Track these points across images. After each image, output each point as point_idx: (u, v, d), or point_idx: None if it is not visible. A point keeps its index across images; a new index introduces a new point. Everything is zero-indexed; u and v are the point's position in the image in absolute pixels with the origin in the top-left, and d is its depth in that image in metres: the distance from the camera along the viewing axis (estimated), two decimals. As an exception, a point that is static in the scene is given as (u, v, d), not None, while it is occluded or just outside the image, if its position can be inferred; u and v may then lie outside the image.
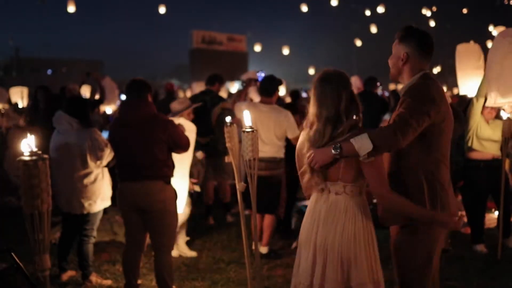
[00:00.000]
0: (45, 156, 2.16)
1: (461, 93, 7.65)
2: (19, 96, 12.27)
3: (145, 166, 4.38)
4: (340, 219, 2.88)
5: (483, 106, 5.87)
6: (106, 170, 5.20)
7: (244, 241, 3.98)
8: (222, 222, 7.56)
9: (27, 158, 2.12)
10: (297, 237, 6.28)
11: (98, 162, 4.98)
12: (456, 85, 9.46)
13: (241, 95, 6.73)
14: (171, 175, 4.57)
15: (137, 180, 4.42)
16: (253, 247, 4.02)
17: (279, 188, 5.99)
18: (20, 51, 50.58)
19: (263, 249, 6.01)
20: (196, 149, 6.37)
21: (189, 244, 6.24)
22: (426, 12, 30.90)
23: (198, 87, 13.22)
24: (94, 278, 5.22)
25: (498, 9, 42.40)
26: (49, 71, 39.35)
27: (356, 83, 10.41)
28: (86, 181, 5.00)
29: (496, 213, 6.60)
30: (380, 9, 26.93)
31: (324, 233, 2.89)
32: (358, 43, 36.91)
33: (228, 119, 4.04)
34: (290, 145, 6.15)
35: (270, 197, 5.85)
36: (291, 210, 6.94)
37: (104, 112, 10.79)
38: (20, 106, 11.53)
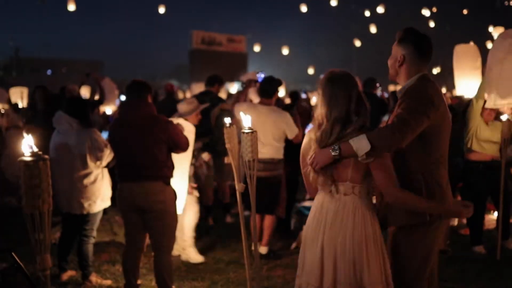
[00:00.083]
0: (46, 156, 2.17)
1: (458, 93, 7.68)
2: (19, 96, 12.26)
3: (145, 167, 4.39)
4: (350, 220, 2.88)
5: (483, 108, 5.87)
6: (106, 170, 5.21)
7: (243, 242, 3.99)
8: (221, 223, 7.57)
9: (28, 159, 2.13)
10: (296, 238, 6.34)
11: (98, 163, 4.99)
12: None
13: (241, 96, 6.73)
14: (171, 175, 4.58)
15: (137, 180, 4.43)
16: (253, 248, 4.03)
17: (278, 188, 6.00)
18: (20, 51, 50.61)
19: (263, 249, 6.02)
20: (203, 150, 6.36)
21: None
22: (426, 13, 30.91)
23: (198, 88, 13.24)
24: (94, 278, 5.23)
25: (498, 10, 42.43)
26: (49, 71, 39.37)
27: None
28: (86, 181, 5.01)
29: (496, 214, 6.61)
30: (380, 9, 26.94)
31: (333, 234, 2.89)
32: (358, 43, 36.93)
33: (227, 120, 4.04)
34: (290, 146, 6.16)
35: (269, 198, 5.86)
36: (290, 211, 6.95)
37: (104, 112, 10.79)
38: (20, 106, 11.53)
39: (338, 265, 2.85)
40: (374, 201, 3.32)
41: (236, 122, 5.20)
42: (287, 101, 9.61)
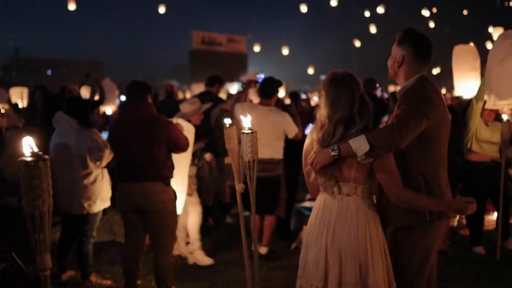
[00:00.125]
0: (46, 156, 2.17)
1: (457, 93, 7.68)
2: (19, 97, 12.27)
3: (145, 167, 4.39)
4: (353, 220, 2.88)
5: (483, 108, 5.87)
6: (105, 170, 5.21)
7: (243, 242, 3.99)
8: (221, 223, 7.57)
9: (28, 159, 2.13)
10: (296, 238, 6.33)
11: (98, 163, 4.99)
12: (455, 87, 9.47)
13: (241, 96, 6.73)
14: (171, 176, 4.58)
15: (137, 181, 4.43)
16: (253, 248, 4.03)
17: (277, 188, 6.00)
18: (20, 51, 50.60)
19: (263, 250, 6.02)
20: (205, 150, 6.36)
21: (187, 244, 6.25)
22: (426, 13, 30.92)
23: (198, 88, 13.24)
24: (93, 278, 5.23)
25: (498, 10, 42.43)
26: (49, 72, 39.37)
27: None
28: (85, 181, 5.01)
29: (495, 215, 6.61)
30: (380, 10, 26.95)
31: (337, 235, 2.88)
32: (358, 43, 36.92)
33: (227, 121, 4.04)
34: (290, 146, 6.17)
35: (269, 198, 5.86)
36: (290, 211, 6.95)
37: (104, 112, 10.79)
38: (20, 106, 11.54)
39: (343, 266, 2.85)
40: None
41: (236, 123, 5.21)
42: (287, 101, 9.62)
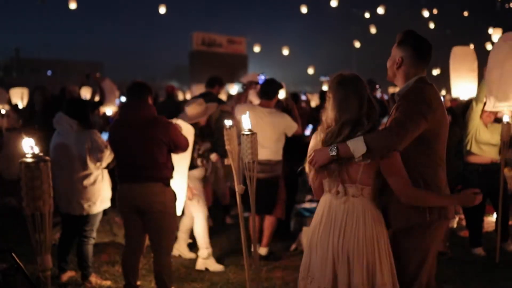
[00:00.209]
0: (47, 158, 2.18)
1: (453, 94, 7.69)
2: (19, 97, 12.28)
3: (145, 168, 4.40)
4: (360, 222, 2.89)
5: (482, 110, 5.88)
6: (105, 171, 5.22)
7: (243, 243, 4.00)
8: (221, 224, 7.58)
9: (29, 160, 2.14)
10: (296, 239, 6.34)
11: (98, 164, 4.99)
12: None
13: (242, 98, 6.73)
14: (171, 177, 4.59)
15: (137, 181, 4.43)
16: (252, 249, 4.04)
17: (276, 189, 6.01)
18: (20, 52, 50.63)
19: (263, 250, 6.03)
20: (211, 151, 6.36)
21: (188, 246, 6.26)
22: (427, 14, 30.93)
23: (198, 89, 13.24)
24: (93, 278, 5.23)
25: (498, 12, 42.48)
26: (49, 72, 39.36)
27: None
28: (85, 182, 5.02)
29: (495, 216, 6.62)
30: (380, 11, 26.98)
31: (344, 236, 2.89)
32: (357, 44, 36.94)
33: (227, 122, 4.05)
34: (290, 148, 6.18)
35: (267, 199, 5.86)
36: (290, 213, 6.96)
37: (104, 113, 10.80)
38: (20, 107, 11.54)
39: (351, 267, 2.86)
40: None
41: (236, 124, 5.22)
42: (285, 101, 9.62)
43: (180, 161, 5.19)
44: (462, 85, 7.42)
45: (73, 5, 18.12)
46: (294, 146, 6.52)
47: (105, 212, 5.68)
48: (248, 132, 3.57)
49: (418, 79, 3.05)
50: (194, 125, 5.78)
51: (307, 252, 3.09)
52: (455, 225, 7.17)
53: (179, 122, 5.41)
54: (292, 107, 6.46)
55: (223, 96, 9.11)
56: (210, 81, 7.75)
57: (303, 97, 13.27)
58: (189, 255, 6.12)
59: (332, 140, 2.89)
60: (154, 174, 4.42)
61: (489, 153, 5.99)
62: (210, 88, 7.66)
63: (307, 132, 8.03)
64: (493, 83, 5.42)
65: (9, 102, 12.10)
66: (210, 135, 6.32)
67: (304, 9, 26.24)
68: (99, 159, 4.95)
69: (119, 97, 12.15)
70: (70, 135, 4.99)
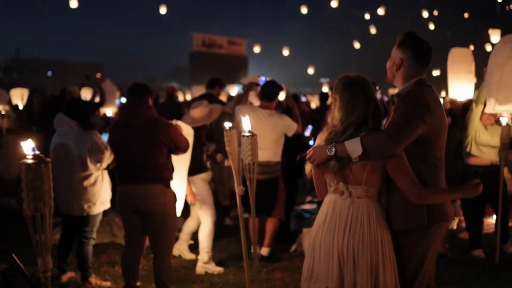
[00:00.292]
0: (48, 159, 2.19)
1: (450, 96, 7.71)
2: (19, 98, 12.27)
3: (145, 169, 4.40)
4: (365, 223, 2.90)
5: (482, 112, 5.88)
6: (106, 172, 5.22)
7: (243, 244, 4.00)
8: (221, 225, 7.58)
9: (30, 161, 2.14)
10: (295, 241, 6.33)
11: (98, 165, 4.99)
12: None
13: (242, 99, 6.72)
14: (171, 178, 4.59)
15: (137, 182, 4.44)
16: (252, 250, 4.04)
17: (275, 191, 6.00)
18: (20, 52, 50.60)
19: (264, 251, 6.02)
20: (216, 152, 6.35)
21: (189, 247, 6.26)
22: (427, 16, 30.95)
23: (198, 90, 13.24)
24: (93, 279, 5.24)
25: (498, 14, 42.50)
26: (49, 73, 39.34)
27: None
28: (85, 183, 5.02)
29: (494, 217, 6.62)
30: (380, 11, 27.01)
31: (349, 236, 2.90)
32: (357, 45, 36.95)
33: (227, 124, 4.05)
34: (290, 149, 6.18)
35: (266, 200, 5.85)
36: (290, 214, 6.96)
37: (104, 114, 10.80)
38: (20, 107, 11.55)
39: (356, 267, 2.87)
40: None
41: (236, 125, 5.22)
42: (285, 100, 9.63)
43: (180, 162, 5.19)
44: (459, 87, 7.45)
45: (74, 4, 18.15)
46: (294, 147, 6.52)
47: (105, 213, 5.68)
48: (248, 134, 3.57)
49: (418, 81, 3.05)
50: (201, 127, 5.77)
51: (310, 252, 3.09)
52: (455, 227, 7.18)
53: (179, 123, 5.41)
54: (293, 105, 6.47)
55: (223, 98, 9.10)
56: (211, 82, 7.75)
57: (303, 99, 13.28)
58: (189, 256, 6.12)
59: (335, 139, 2.90)
60: (154, 175, 4.42)
61: (489, 155, 5.99)
62: (211, 90, 7.66)
63: (307, 133, 8.03)
64: (493, 85, 5.41)
65: (9, 102, 12.10)
66: (211, 136, 6.32)
67: (304, 10, 26.28)
68: (99, 160, 4.95)
69: (119, 98, 12.15)
70: (70, 136, 4.99)
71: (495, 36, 21.30)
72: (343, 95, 2.93)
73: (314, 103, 14.58)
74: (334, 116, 2.97)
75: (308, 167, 9.74)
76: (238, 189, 4.01)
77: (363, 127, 2.87)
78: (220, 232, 7.17)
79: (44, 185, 2.14)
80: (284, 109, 6.81)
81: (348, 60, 50.00)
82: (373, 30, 30.04)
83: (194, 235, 6.21)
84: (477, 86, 6.61)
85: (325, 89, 13.32)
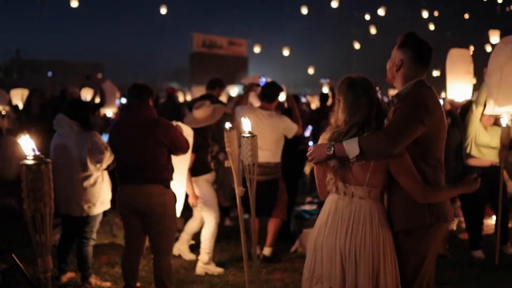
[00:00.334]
0: (48, 160, 2.19)
1: (449, 97, 7.71)
2: (20, 98, 12.26)
3: (146, 170, 4.40)
4: (367, 223, 2.91)
5: (482, 113, 5.88)
6: (106, 173, 5.22)
7: (242, 245, 4.00)
8: (221, 226, 7.57)
9: (30, 162, 2.14)
10: (295, 241, 6.33)
11: (98, 165, 4.99)
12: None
13: (243, 100, 6.71)
14: (171, 178, 4.59)
15: (137, 183, 4.44)
16: (252, 251, 4.04)
17: (275, 192, 6.00)
18: (21, 52, 50.58)
19: (267, 251, 6.01)
20: (219, 152, 6.35)
21: (190, 247, 6.26)
22: (428, 16, 30.95)
23: (198, 91, 13.25)
24: (93, 280, 5.24)
25: (499, 15, 42.52)
26: (49, 73, 39.35)
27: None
28: (85, 183, 5.02)
29: (494, 218, 6.62)
30: (381, 12, 27.02)
31: (351, 237, 2.91)
32: (357, 46, 36.95)
33: (228, 124, 4.05)
34: (290, 150, 6.18)
35: (267, 201, 5.86)
36: (290, 215, 6.96)
37: (105, 115, 10.80)
38: (20, 108, 11.55)
39: (358, 267, 2.88)
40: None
41: (236, 126, 5.22)
42: (286, 104, 9.64)
43: (180, 163, 5.19)
44: (458, 87, 7.45)
45: (74, 4, 18.16)
46: (294, 147, 6.52)
47: (105, 213, 5.68)
48: (248, 135, 3.58)
49: (417, 82, 3.05)
50: (206, 127, 5.76)
51: (311, 252, 3.09)
52: (454, 228, 7.18)
53: (179, 124, 5.41)
54: (293, 106, 6.46)
55: (223, 98, 9.10)
56: (211, 83, 7.75)
57: (303, 99, 13.28)
58: (189, 256, 6.12)
59: (338, 139, 2.92)
60: (154, 175, 4.42)
61: (489, 156, 5.99)
62: (211, 90, 7.66)
63: (307, 133, 8.03)
64: (493, 86, 5.42)
65: (9, 103, 12.10)
66: (213, 136, 6.32)
67: (304, 10, 26.30)
68: (99, 161, 4.95)
69: (119, 98, 12.15)
70: (71, 136, 5.00)
71: (494, 37, 21.31)
72: (346, 96, 2.94)
73: (314, 104, 14.59)
74: (338, 117, 2.98)
75: (307, 167, 9.75)
76: (238, 190, 4.02)
77: (366, 128, 2.88)
78: (220, 233, 7.16)
79: (44, 186, 2.14)
80: (284, 110, 6.81)
81: (349, 60, 49.97)
82: (373, 31, 30.05)
83: (195, 236, 6.21)
84: (477, 87, 6.60)
85: (325, 89, 13.31)
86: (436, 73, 25.49)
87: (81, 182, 5.00)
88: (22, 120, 8.18)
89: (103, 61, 57.98)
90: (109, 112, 10.89)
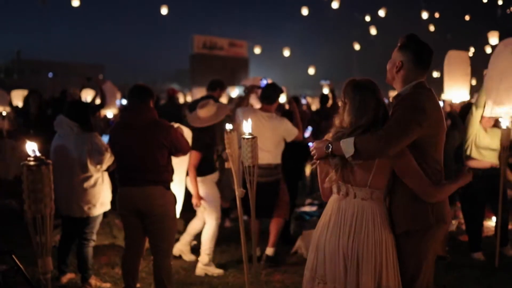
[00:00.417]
0: (49, 161, 2.19)
1: (445, 98, 7.73)
2: (20, 99, 12.29)
3: (146, 171, 4.40)
4: (370, 224, 2.92)
5: (482, 115, 5.88)
6: (106, 174, 5.22)
7: (242, 246, 4.00)
8: (220, 227, 7.56)
9: (31, 163, 2.15)
10: (295, 243, 6.33)
11: (98, 166, 5.00)
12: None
13: (243, 102, 6.71)
14: (171, 180, 4.59)
15: (137, 184, 4.43)
16: (252, 253, 4.05)
17: (276, 193, 6.00)
18: (21, 53, 50.64)
19: (269, 251, 6.00)
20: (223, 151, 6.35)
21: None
22: (427, 17, 30.94)
23: (199, 92, 13.25)
24: (93, 281, 5.24)
25: (499, 16, 42.53)
26: (50, 74, 39.41)
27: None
28: (86, 185, 5.03)
29: (494, 220, 6.62)
30: (381, 13, 27.02)
31: (354, 238, 2.92)
32: (357, 47, 36.96)
33: (228, 126, 4.06)
34: (291, 152, 6.18)
35: (268, 203, 5.86)
36: (290, 216, 6.95)
37: (105, 116, 10.82)
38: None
39: (360, 268, 2.89)
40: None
41: (237, 127, 5.22)
42: (288, 106, 9.65)
43: (178, 164, 5.19)
44: (455, 89, 7.48)
45: (76, 3, 18.18)
46: (295, 149, 6.52)
47: (105, 214, 5.69)
48: (249, 136, 3.58)
49: (417, 84, 3.05)
50: (212, 126, 5.75)
51: (313, 253, 3.10)
52: (454, 229, 7.18)
53: (179, 125, 5.42)
54: (295, 111, 6.45)
55: (224, 100, 9.10)
56: (212, 84, 7.74)
57: (303, 101, 13.29)
58: (190, 257, 6.12)
59: (342, 138, 2.92)
60: (154, 177, 4.43)
61: (489, 157, 5.99)
62: (212, 92, 7.65)
63: (306, 134, 8.03)
64: (492, 88, 5.42)
65: (10, 104, 12.12)
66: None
67: (305, 11, 26.31)
68: (99, 162, 4.96)
69: (120, 99, 12.16)
70: (71, 137, 5.00)
71: (493, 38, 21.31)
72: (353, 99, 2.95)
73: (315, 106, 14.60)
74: (343, 119, 2.99)
75: (308, 169, 9.76)
76: (238, 192, 4.02)
77: (372, 130, 2.88)
78: (220, 234, 7.16)
79: (45, 187, 2.15)
80: (284, 111, 6.81)
81: (349, 61, 50.01)
82: (373, 32, 30.04)
83: (197, 237, 6.22)
84: (477, 89, 6.61)
85: (326, 91, 13.33)
86: (436, 74, 25.50)
87: (81, 183, 5.01)
88: (20, 121, 8.20)
89: (104, 62, 58.04)
90: (110, 113, 10.90)
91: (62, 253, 5.35)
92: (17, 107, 11.71)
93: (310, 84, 41.72)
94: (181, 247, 6.12)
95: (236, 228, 6.41)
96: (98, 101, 8.48)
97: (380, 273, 2.88)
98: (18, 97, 12.49)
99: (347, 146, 2.83)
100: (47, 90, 22.40)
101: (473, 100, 6.64)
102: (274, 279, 5.51)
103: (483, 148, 5.94)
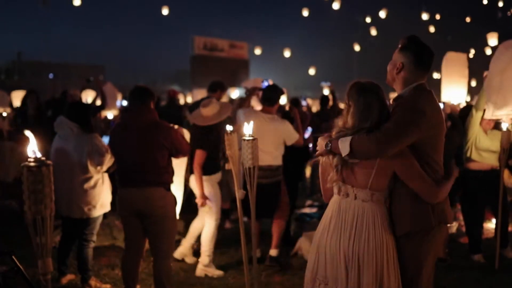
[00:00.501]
0: (49, 162, 2.19)
1: (443, 99, 7.75)
2: (20, 100, 12.30)
3: (146, 172, 4.40)
4: (370, 226, 2.92)
5: (482, 117, 5.88)
6: (106, 175, 5.23)
7: (242, 248, 4.01)
8: (221, 229, 7.57)
9: (31, 164, 2.15)
10: (296, 244, 6.33)
11: (98, 168, 5.00)
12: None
13: (244, 103, 6.70)
14: (171, 181, 4.60)
15: (138, 186, 4.43)
16: (252, 254, 4.05)
17: (276, 195, 6.00)
18: (22, 54, 50.67)
19: (273, 252, 5.98)
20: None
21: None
22: (427, 18, 30.93)
23: (199, 94, 13.27)
24: (93, 282, 5.24)
25: (499, 18, 42.56)
26: (50, 75, 39.46)
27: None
28: (86, 186, 5.03)
29: (494, 222, 6.62)
30: (382, 14, 27.03)
31: (355, 239, 2.92)
32: (357, 48, 36.95)
33: (228, 127, 4.06)
34: (291, 153, 6.18)
35: (268, 204, 5.85)
36: (290, 217, 6.95)
37: (105, 117, 10.82)
38: (21, 110, 11.58)
39: (361, 270, 2.90)
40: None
41: (237, 128, 5.22)
42: (288, 108, 9.66)
43: (178, 166, 5.19)
44: (453, 90, 7.50)
45: (77, 2, 18.21)
46: (295, 150, 6.52)
47: (105, 215, 5.69)
48: (249, 138, 3.58)
49: (417, 86, 3.05)
50: (218, 124, 5.73)
51: (314, 254, 3.10)
52: (454, 231, 7.18)
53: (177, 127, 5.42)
54: (295, 116, 6.42)
55: (224, 101, 9.11)
56: (212, 85, 7.74)
57: (304, 103, 13.30)
58: (191, 259, 6.11)
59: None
60: (155, 178, 4.43)
61: (489, 159, 5.99)
62: (212, 93, 7.64)
63: (306, 135, 8.04)
64: (493, 90, 5.41)
65: (10, 105, 12.13)
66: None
67: (305, 13, 26.33)
68: (99, 163, 4.96)
69: (120, 100, 12.17)
70: (71, 138, 5.01)
71: (492, 39, 21.29)
72: (357, 102, 2.94)
73: (315, 107, 14.61)
74: (347, 121, 2.99)
75: (308, 170, 9.76)
76: (238, 193, 4.02)
77: (374, 130, 2.88)
78: (220, 236, 7.17)
79: (45, 188, 2.15)
80: (284, 113, 6.81)
81: (349, 63, 50.02)
82: (373, 32, 30.06)
83: (197, 238, 6.21)
84: (477, 91, 6.62)
85: (326, 92, 13.34)
86: (436, 76, 25.51)
87: (82, 184, 5.01)
88: (18, 122, 8.19)
89: (104, 63, 58.08)
90: (110, 114, 10.90)
91: (62, 254, 5.35)
92: (17, 108, 11.73)
93: (310, 85, 41.76)
94: (184, 251, 6.10)
95: (236, 229, 6.41)
96: (98, 102, 8.47)
97: (382, 275, 2.89)
98: (18, 98, 12.47)
99: (344, 145, 2.84)
100: (48, 91, 22.45)
101: (473, 102, 6.64)
102: (274, 281, 5.51)
103: (483, 150, 5.94)
